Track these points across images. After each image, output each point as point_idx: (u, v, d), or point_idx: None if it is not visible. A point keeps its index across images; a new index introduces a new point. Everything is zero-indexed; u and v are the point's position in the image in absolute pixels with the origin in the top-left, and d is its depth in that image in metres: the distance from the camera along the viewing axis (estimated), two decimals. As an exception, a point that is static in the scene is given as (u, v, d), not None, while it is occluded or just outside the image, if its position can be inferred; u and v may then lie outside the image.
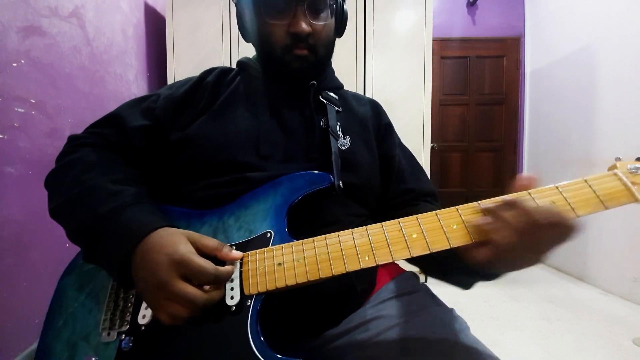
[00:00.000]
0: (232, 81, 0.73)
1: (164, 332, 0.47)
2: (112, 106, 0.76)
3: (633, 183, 0.44)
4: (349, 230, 0.48)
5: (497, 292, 2.39)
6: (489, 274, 0.53)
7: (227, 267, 0.47)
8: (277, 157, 0.64)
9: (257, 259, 0.50)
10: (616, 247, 2.36)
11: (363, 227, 0.48)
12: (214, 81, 0.71)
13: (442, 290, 0.59)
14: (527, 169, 3.45)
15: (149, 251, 0.46)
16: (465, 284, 0.59)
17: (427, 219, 0.47)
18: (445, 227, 0.46)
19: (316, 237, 0.49)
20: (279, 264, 0.48)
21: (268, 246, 0.51)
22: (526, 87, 3.43)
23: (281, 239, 0.51)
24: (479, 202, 0.46)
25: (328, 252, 0.47)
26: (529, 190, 0.46)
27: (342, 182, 0.62)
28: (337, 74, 0.79)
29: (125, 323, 0.50)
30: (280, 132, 0.67)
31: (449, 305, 0.61)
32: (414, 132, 2.25)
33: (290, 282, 0.47)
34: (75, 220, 0.53)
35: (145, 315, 0.49)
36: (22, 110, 1.26)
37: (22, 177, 1.26)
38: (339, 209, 0.63)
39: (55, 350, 0.52)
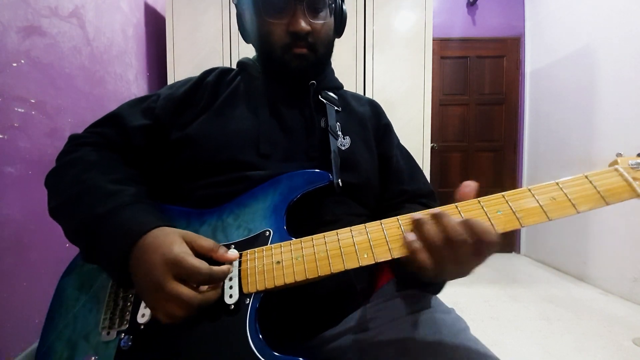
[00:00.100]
0: (232, 81, 0.73)
1: (163, 330, 0.47)
2: (112, 106, 0.76)
3: (634, 178, 0.44)
4: (348, 228, 0.49)
5: (497, 292, 2.39)
6: (427, 283, 0.56)
7: (223, 267, 0.47)
8: (277, 157, 0.64)
9: (256, 257, 0.50)
10: (616, 247, 2.36)
11: (362, 225, 0.48)
12: (214, 81, 0.71)
13: (443, 291, 0.59)
14: (527, 169, 3.45)
15: (145, 251, 0.46)
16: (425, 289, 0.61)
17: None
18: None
19: (315, 235, 0.49)
20: (278, 262, 0.48)
21: (267, 245, 0.51)
22: (526, 87, 3.43)
23: (280, 238, 0.51)
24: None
25: (327, 250, 0.48)
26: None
27: (342, 182, 0.62)
28: (337, 74, 0.79)
29: (125, 322, 0.50)
30: (280, 131, 0.67)
31: (449, 305, 0.61)
32: (414, 132, 2.25)
33: (289, 280, 0.47)
34: (74, 220, 0.53)
35: (144, 314, 0.49)
36: (22, 110, 1.26)
37: (22, 177, 1.26)
38: (339, 208, 0.63)
39: (56, 350, 0.52)
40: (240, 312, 0.47)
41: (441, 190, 3.35)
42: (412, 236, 0.44)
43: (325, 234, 0.49)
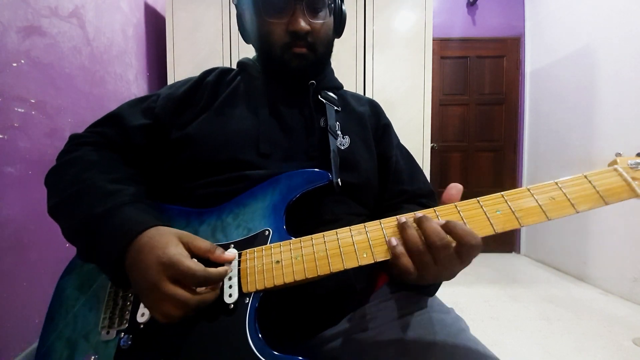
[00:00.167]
0: (232, 81, 0.73)
1: (163, 330, 0.47)
2: (112, 106, 0.76)
3: (633, 178, 0.44)
4: (347, 228, 0.49)
5: (497, 292, 2.39)
6: (412, 285, 0.57)
7: (219, 269, 0.47)
8: (277, 156, 0.64)
9: (255, 256, 0.50)
10: (616, 247, 2.36)
11: (361, 225, 0.48)
12: (214, 81, 0.71)
13: (442, 290, 0.59)
14: (527, 169, 3.45)
15: (140, 252, 0.46)
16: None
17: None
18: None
19: (314, 235, 0.49)
20: (277, 261, 0.48)
21: (266, 244, 0.51)
22: (526, 87, 3.43)
23: (279, 237, 0.51)
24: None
25: (326, 249, 0.48)
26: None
27: (342, 182, 0.62)
28: (337, 74, 0.80)
29: (125, 321, 0.50)
30: (280, 131, 0.67)
31: (449, 305, 0.61)
32: (414, 132, 2.25)
33: (288, 279, 0.47)
34: (72, 219, 0.53)
35: (144, 313, 0.49)
36: (22, 110, 1.26)
37: (22, 177, 1.26)
38: (339, 207, 0.63)
39: (56, 349, 0.52)
40: (240, 312, 0.47)
41: (441, 190, 3.27)
42: (395, 241, 0.45)
43: (325, 233, 0.49)
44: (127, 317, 0.51)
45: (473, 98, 3.47)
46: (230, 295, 0.48)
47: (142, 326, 0.49)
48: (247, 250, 0.51)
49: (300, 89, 0.70)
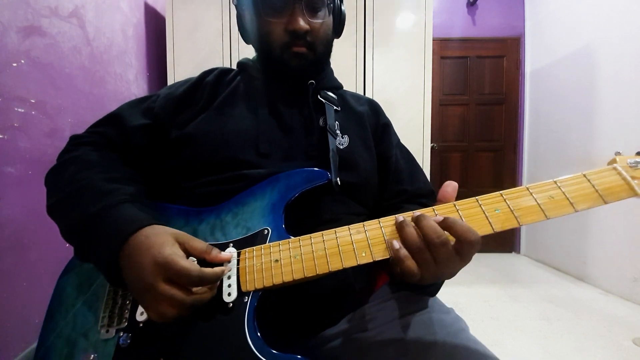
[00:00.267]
0: (232, 81, 0.74)
1: (162, 328, 0.47)
2: (112, 106, 0.76)
3: (633, 177, 0.44)
4: (346, 227, 0.49)
5: (497, 292, 2.39)
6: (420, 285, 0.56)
7: (215, 270, 0.47)
8: (276, 155, 0.64)
9: (254, 255, 0.50)
10: (616, 247, 2.36)
11: (360, 224, 0.48)
12: (213, 80, 0.72)
13: (442, 290, 0.59)
14: (527, 169, 3.45)
15: (135, 251, 0.46)
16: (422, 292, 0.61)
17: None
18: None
19: (313, 234, 0.49)
20: (276, 260, 0.48)
21: (265, 243, 0.51)
22: (526, 87, 3.43)
23: (278, 236, 0.51)
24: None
25: (325, 248, 0.48)
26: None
27: (341, 181, 0.62)
28: (336, 74, 0.80)
29: (124, 320, 0.50)
30: (280, 130, 0.67)
31: (449, 305, 0.60)
32: (414, 132, 2.25)
33: (287, 278, 0.47)
34: (69, 218, 0.53)
35: (143, 312, 0.49)
36: (22, 110, 1.27)
37: (22, 177, 1.26)
38: (338, 207, 0.64)
39: (55, 347, 0.52)
40: (239, 311, 0.47)
41: (441, 191, 3.33)
42: (397, 244, 0.45)
43: (324, 232, 0.49)
44: (127, 315, 0.51)
45: (473, 98, 3.47)
46: (229, 294, 0.48)
47: (141, 325, 0.49)
48: (246, 249, 0.51)
49: (299, 89, 0.70)
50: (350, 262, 0.46)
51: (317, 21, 0.65)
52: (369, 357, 0.52)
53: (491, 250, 3.45)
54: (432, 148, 2.37)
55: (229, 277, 0.49)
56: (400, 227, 0.46)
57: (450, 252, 0.43)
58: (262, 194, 0.56)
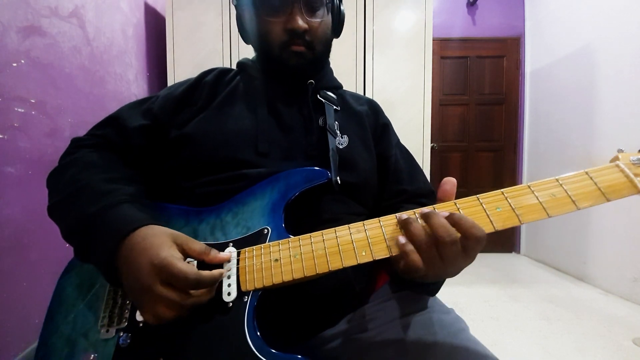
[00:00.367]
0: (232, 81, 0.74)
1: (161, 328, 0.47)
2: (112, 106, 0.77)
3: (636, 174, 0.44)
4: (346, 226, 0.48)
5: (497, 292, 2.39)
6: (421, 284, 0.56)
7: (213, 272, 0.47)
8: (275, 155, 0.64)
9: (254, 255, 0.50)
10: (616, 247, 2.36)
11: (360, 223, 0.48)
12: (212, 80, 0.72)
13: (442, 290, 0.59)
14: (527, 169, 3.45)
15: (132, 252, 0.46)
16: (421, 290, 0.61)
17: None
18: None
19: (313, 233, 0.49)
20: (276, 259, 0.48)
21: (265, 242, 0.51)
22: (526, 87, 3.43)
23: (278, 236, 0.51)
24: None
25: (325, 247, 0.47)
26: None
27: (341, 181, 0.62)
28: (336, 74, 0.80)
29: (124, 320, 0.50)
30: (279, 130, 0.67)
31: (449, 305, 0.60)
32: (414, 132, 2.25)
33: (287, 277, 0.47)
34: (68, 219, 0.53)
35: (143, 312, 0.49)
36: (22, 110, 1.27)
37: (22, 177, 1.26)
38: (338, 207, 0.63)
39: (56, 347, 0.52)
40: (239, 310, 0.47)
41: (441, 191, 3.33)
42: (403, 239, 0.44)
43: (324, 231, 0.49)
44: (127, 315, 0.51)
45: (473, 98, 3.47)
46: (229, 294, 0.48)
47: (141, 325, 0.49)
48: (246, 248, 0.51)
49: (299, 89, 0.70)
50: (350, 262, 0.46)
51: (316, 20, 0.65)
52: (369, 358, 0.52)
53: (491, 250, 3.45)
54: (432, 148, 2.37)
55: (228, 277, 0.49)
56: (406, 223, 0.45)
57: (459, 250, 0.42)
58: (262, 194, 0.56)
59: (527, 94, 3.42)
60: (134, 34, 2.13)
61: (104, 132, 0.66)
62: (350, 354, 0.54)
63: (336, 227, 0.49)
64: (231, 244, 0.52)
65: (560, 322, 1.92)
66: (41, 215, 1.27)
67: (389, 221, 0.47)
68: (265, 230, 0.52)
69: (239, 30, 0.73)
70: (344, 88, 0.81)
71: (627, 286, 2.24)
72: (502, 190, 0.46)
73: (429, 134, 2.26)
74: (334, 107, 0.72)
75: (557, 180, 0.45)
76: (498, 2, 3.43)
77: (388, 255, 0.45)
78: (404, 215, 0.46)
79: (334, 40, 0.74)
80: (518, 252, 3.49)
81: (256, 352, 0.43)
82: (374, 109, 0.80)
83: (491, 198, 0.46)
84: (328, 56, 0.75)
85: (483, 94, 3.47)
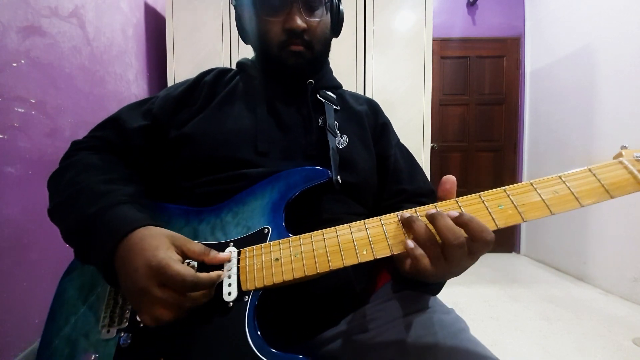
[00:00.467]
0: (231, 80, 0.74)
1: (162, 328, 0.47)
2: (112, 106, 0.77)
3: None
4: (347, 225, 0.48)
5: (497, 292, 2.39)
6: (424, 283, 0.55)
7: (211, 274, 0.46)
8: (275, 155, 0.64)
9: (255, 254, 0.50)
10: (616, 247, 2.36)
11: (361, 221, 0.48)
12: (211, 80, 0.72)
13: (442, 290, 0.59)
14: (527, 169, 3.45)
15: (129, 253, 0.46)
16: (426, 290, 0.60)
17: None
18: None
19: (314, 232, 0.49)
20: (276, 259, 0.48)
21: (265, 242, 0.51)
22: (526, 87, 3.43)
23: (279, 235, 0.51)
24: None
25: (325, 246, 0.47)
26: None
27: (341, 180, 0.62)
28: (336, 74, 0.80)
29: (125, 320, 0.50)
30: (278, 129, 0.67)
31: (449, 306, 0.60)
32: (414, 132, 2.25)
33: (288, 277, 0.47)
34: (68, 221, 0.53)
35: (143, 312, 0.49)
36: (22, 110, 1.26)
37: (22, 177, 1.26)
38: (338, 206, 0.63)
39: (57, 347, 0.52)
40: (239, 310, 0.47)
41: (441, 191, 3.33)
42: (411, 243, 0.44)
43: (324, 230, 0.49)
44: (127, 316, 0.51)
45: (473, 98, 3.47)
46: (229, 294, 0.47)
47: (141, 325, 0.49)
48: (247, 248, 0.51)
49: (298, 88, 0.70)
50: (351, 260, 0.46)
51: (315, 20, 0.65)
52: (370, 358, 0.52)
53: (491, 250, 3.42)
54: (432, 148, 2.37)
55: (229, 277, 0.49)
56: (408, 222, 0.44)
57: (465, 252, 0.42)
58: (262, 193, 0.56)
59: (527, 94, 3.42)
60: (134, 34, 2.13)
61: (104, 134, 0.66)
62: (350, 354, 0.54)
63: (337, 226, 0.49)
64: (232, 243, 0.52)
65: (560, 322, 1.92)
66: (41, 215, 1.28)
67: (390, 220, 0.47)
68: (266, 229, 0.52)
69: (238, 30, 0.73)
70: (343, 88, 0.80)
71: (627, 286, 2.24)
72: (504, 187, 0.45)
73: (429, 134, 2.25)
74: (334, 106, 0.72)
75: (559, 177, 0.45)
76: (498, 2, 3.43)
77: (389, 254, 0.45)
78: (406, 213, 0.46)
79: (334, 40, 0.74)
80: (518, 252, 3.49)
81: (257, 352, 0.43)
82: (373, 108, 0.80)
83: (493, 195, 0.45)
84: (327, 56, 0.75)
85: (483, 94, 3.47)
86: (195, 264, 0.49)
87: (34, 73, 1.32)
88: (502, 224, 0.44)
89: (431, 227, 0.43)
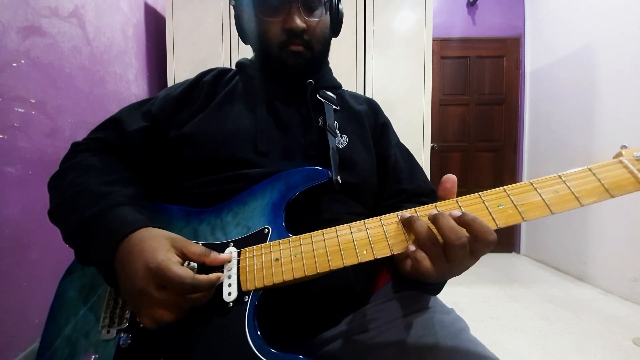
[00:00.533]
0: (230, 80, 0.74)
1: (162, 329, 0.47)
2: (112, 106, 0.77)
3: None
4: (347, 225, 0.48)
5: (497, 292, 2.39)
6: (425, 283, 0.55)
7: (211, 276, 0.46)
8: (275, 154, 0.64)
9: (255, 255, 0.50)
10: (616, 247, 2.36)
11: (361, 221, 0.48)
12: (211, 80, 0.72)
13: (442, 290, 0.59)
14: (527, 169, 3.45)
15: (129, 255, 0.46)
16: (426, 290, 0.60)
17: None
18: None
19: (314, 232, 0.49)
20: (277, 259, 0.48)
21: (266, 242, 0.51)
22: (526, 87, 3.43)
23: (279, 235, 0.51)
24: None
25: (325, 246, 0.47)
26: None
27: (341, 180, 0.62)
28: (336, 74, 0.80)
29: (125, 321, 0.50)
30: (278, 129, 0.67)
31: (449, 306, 0.60)
32: (414, 132, 2.25)
33: (288, 277, 0.47)
34: (68, 222, 0.53)
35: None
36: (22, 110, 1.26)
37: (22, 177, 1.26)
38: (339, 206, 0.63)
39: (57, 348, 0.52)
40: (239, 310, 0.47)
41: (441, 191, 3.33)
42: (413, 247, 0.44)
43: (324, 230, 0.49)
44: (127, 316, 0.51)
45: (473, 98, 3.47)
46: (229, 294, 0.47)
47: (141, 325, 0.49)
48: (247, 248, 0.51)
49: (298, 88, 0.70)
50: (351, 260, 0.46)
51: (314, 20, 0.65)
52: (370, 358, 0.52)
53: (491, 250, 3.44)
54: (432, 148, 2.37)
55: (229, 277, 0.49)
56: (409, 222, 0.44)
57: (467, 253, 0.42)
58: (262, 193, 0.56)
59: (527, 94, 3.42)
60: (134, 34, 2.13)
61: (104, 135, 0.66)
62: (350, 354, 0.54)
63: (337, 226, 0.49)
64: (232, 243, 0.52)
65: (560, 322, 1.92)
66: (41, 215, 1.28)
67: (390, 219, 0.47)
68: (266, 229, 0.52)
69: (237, 31, 0.74)
70: (343, 88, 0.80)
71: (627, 286, 2.24)
72: (504, 187, 0.45)
73: (429, 134, 2.25)
74: (334, 106, 0.72)
75: (559, 177, 0.44)
76: (498, 2, 3.43)
77: (389, 254, 0.45)
78: (406, 214, 0.46)
79: (333, 39, 0.74)
80: (518, 252, 3.49)
81: (257, 352, 0.43)
82: (373, 108, 0.80)
83: (493, 195, 0.45)
84: (327, 56, 0.75)
85: (483, 94, 3.47)
86: (195, 265, 0.49)
87: (34, 73, 1.31)
88: (502, 223, 0.43)
89: (432, 227, 0.43)
